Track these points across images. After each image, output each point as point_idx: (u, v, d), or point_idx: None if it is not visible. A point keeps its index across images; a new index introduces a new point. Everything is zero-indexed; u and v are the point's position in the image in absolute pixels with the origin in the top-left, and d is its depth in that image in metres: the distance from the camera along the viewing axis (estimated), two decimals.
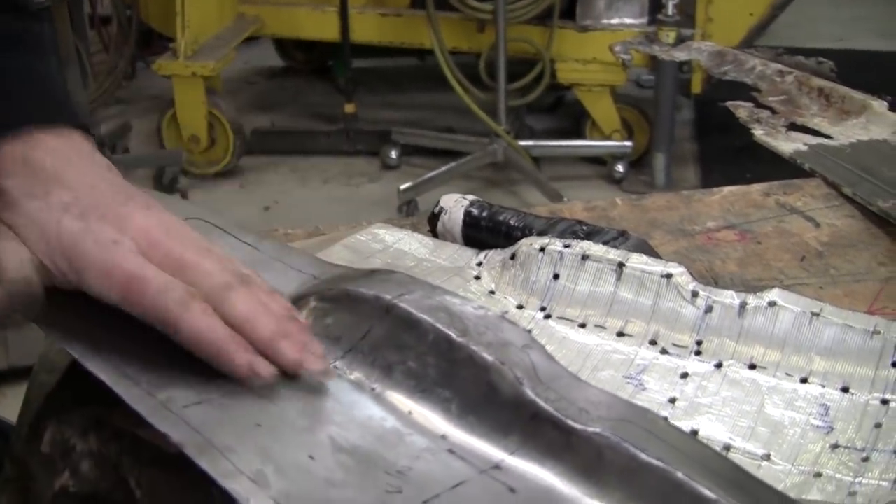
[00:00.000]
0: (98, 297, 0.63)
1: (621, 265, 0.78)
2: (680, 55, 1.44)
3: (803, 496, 0.62)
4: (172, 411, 0.58)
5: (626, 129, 3.59)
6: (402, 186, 3.29)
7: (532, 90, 3.54)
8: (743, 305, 0.75)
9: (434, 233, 0.91)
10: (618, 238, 0.83)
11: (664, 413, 0.69)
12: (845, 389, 0.70)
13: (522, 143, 3.50)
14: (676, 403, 0.70)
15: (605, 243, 0.81)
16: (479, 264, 0.84)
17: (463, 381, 0.62)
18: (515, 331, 0.66)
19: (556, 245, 0.81)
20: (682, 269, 0.77)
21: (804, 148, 1.12)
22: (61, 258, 0.63)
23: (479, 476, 0.58)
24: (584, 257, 0.79)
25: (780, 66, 1.33)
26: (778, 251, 0.92)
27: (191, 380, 0.62)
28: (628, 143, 3.56)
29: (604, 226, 0.86)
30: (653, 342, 0.75)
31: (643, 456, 0.57)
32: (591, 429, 0.59)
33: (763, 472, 0.64)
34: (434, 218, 0.91)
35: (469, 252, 0.87)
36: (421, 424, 0.62)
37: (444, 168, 3.39)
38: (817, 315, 0.73)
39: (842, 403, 0.69)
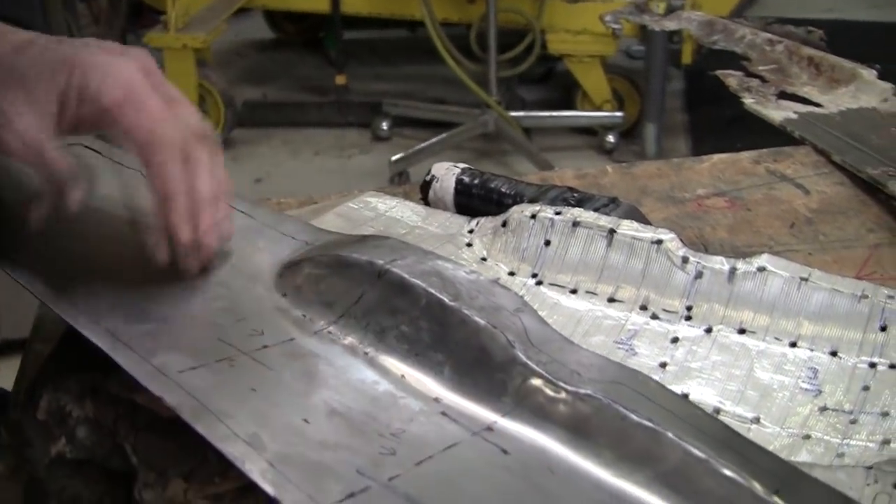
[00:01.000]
0: (96, 96, 0.65)
1: (612, 231, 0.79)
2: (670, 25, 1.44)
3: (792, 458, 0.63)
4: (168, 377, 0.59)
5: (617, 99, 3.59)
6: (394, 158, 3.29)
7: (523, 61, 3.53)
8: (732, 271, 0.75)
9: (426, 201, 0.91)
10: (608, 205, 0.84)
11: (655, 377, 0.70)
12: (833, 353, 0.71)
13: (513, 113, 3.49)
14: (667, 368, 0.71)
15: (595, 210, 0.82)
16: (471, 231, 0.85)
17: (455, 344, 0.63)
18: (507, 295, 0.67)
19: (547, 212, 0.81)
20: (672, 236, 0.78)
21: (794, 116, 1.13)
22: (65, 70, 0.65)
23: (471, 438, 0.59)
24: (575, 224, 0.80)
25: (769, 36, 1.34)
26: (767, 218, 0.92)
27: (185, 345, 0.63)
28: (619, 114, 3.56)
29: (594, 193, 0.86)
30: (643, 307, 0.76)
31: (634, 417, 0.58)
32: (582, 391, 0.60)
33: (752, 435, 0.65)
34: (426, 186, 0.91)
35: (461, 219, 0.87)
36: (414, 388, 0.62)
37: (435, 139, 3.39)
38: (806, 280, 0.74)
39: (830, 367, 0.70)
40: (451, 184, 0.89)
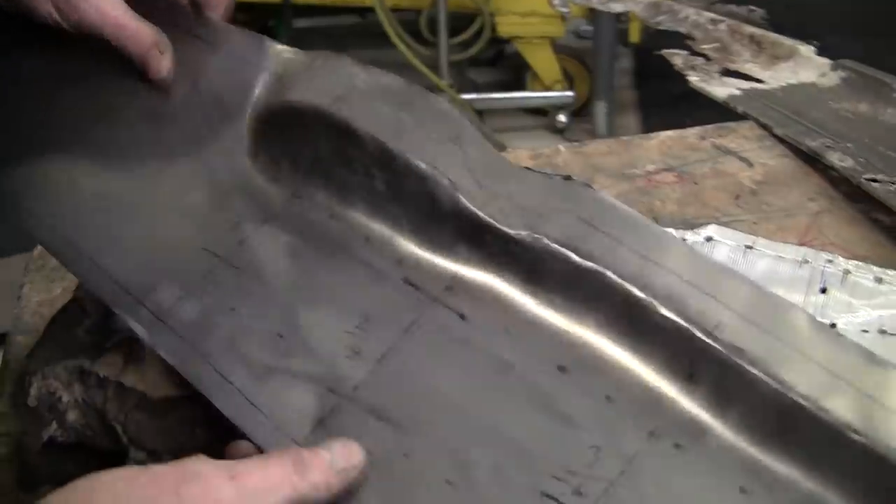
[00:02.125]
0: None
1: None
2: (616, 7, 1.48)
3: None
4: (164, 321, 0.62)
5: (567, 79, 3.63)
6: None
7: (473, 44, 3.56)
8: (682, 241, 0.80)
9: None
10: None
11: None
12: None
13: (465, 96, 3.52)
14: None
15: None
16: None
17: (408, 194, 0.64)
18: (449, 117, 0.67)
19: None
20: None
21: (737, 93, 1.17)
22: None
23: (431, 307, 0.61)
24: None
25: (712, 15, 1.38)
26: (714, 191, 0.97)
27: (175, 268, 0.65)
28: (569, 94, 3.60)
29: (549, 171, 0.91)
30: None
31: (583, 263, 0.60)
32: (528, 235, 0.61)
33: None
34: None
35: None
36: (378, 249, 0.64)
37: None
38: (751, 248, 0.78)
39: None
40: None
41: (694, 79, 1.23)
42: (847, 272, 0.76)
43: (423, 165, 0.64)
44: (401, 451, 0.56)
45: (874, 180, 0.93)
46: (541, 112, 3.72)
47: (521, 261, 0.61)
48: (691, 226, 0.86)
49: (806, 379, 0.55)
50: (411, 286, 0.63)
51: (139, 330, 0.62)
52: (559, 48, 3.64)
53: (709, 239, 0.79)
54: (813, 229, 0.90)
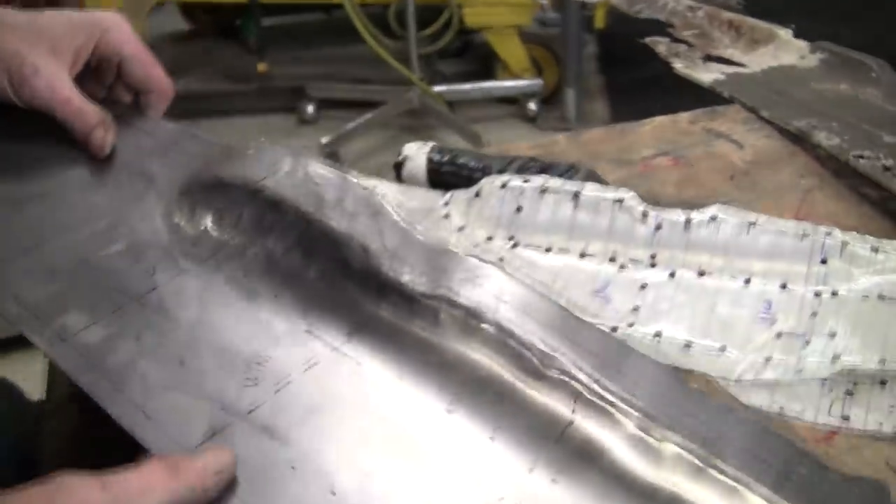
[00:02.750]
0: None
1: (577, 194, 0.87)
2: None
3: (759, 377, 0.73)
4: (66, 340, 0.65)
5: (536, 67, 3.69)
6: (324, 140, 3.35)
7: (442, 36, 3.60)
8: (688, 221, 0.84)
9: (399, 179, 0.99)
10: (569, 170, 0.93)
11: (630, 320, 0.79)
12: (783, 286, 0.80)
13: (436, 88, 3.57)
14: (639, 311, 0.80)
15: (559, 176, 0.91)
16: (446, 203, 0.93)
17: (321, 256, 0.70)
18: (366, 199, 0.73)
19: (516, 181, 0.90)
20: (632, 194, 0.87)
21: (721, 77, 1.22)
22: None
23: (330, 353, 0.66)
24: (543, 190, 0.88)
25: (690, 2, 1.44)
26: (709, 172, 1.02)
27: (84, 303, 0.68)
28: (538, 82, 3.66)
29: (554, 160, 0.95)
30: (612, 259, 0.85)
31: (481, 324, 0.66)
32: (434, 292, 0.67)
33: (721, 361, 0.75)
34: (399, 165, 0.99)
35: (435, 194, 0.95)
36: (286, 307, 0.69)
37: (361, 119, 3.45)
38: (754, 224, 0.83)
39: (781, 298, 0.79)
40: (423, 162, 0.98)
41: (678, 65, 1.28)
42: (845, 243, 0.81)
43: (339, 230, 0.70)
44: (288, 464, 0.59)
45: (861, 157, 0.98)
46: (511, 101, 3.77)
47: (424, 316, 0.67)
48: (691, 206, 0.90)
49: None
50: (314, 336, 0.67)
51: (40, 344, 0.65)
52: (526, 37, 3.69)
53: (713, 218, 0.83)
54: (805, 205, 0.95)
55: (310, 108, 3.75)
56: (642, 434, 0.61)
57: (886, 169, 0.96)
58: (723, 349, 0.76)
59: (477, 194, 0.91)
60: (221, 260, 0.73)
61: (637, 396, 0.62)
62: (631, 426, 0.61)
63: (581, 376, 0.63)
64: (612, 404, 0.62)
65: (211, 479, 0.54)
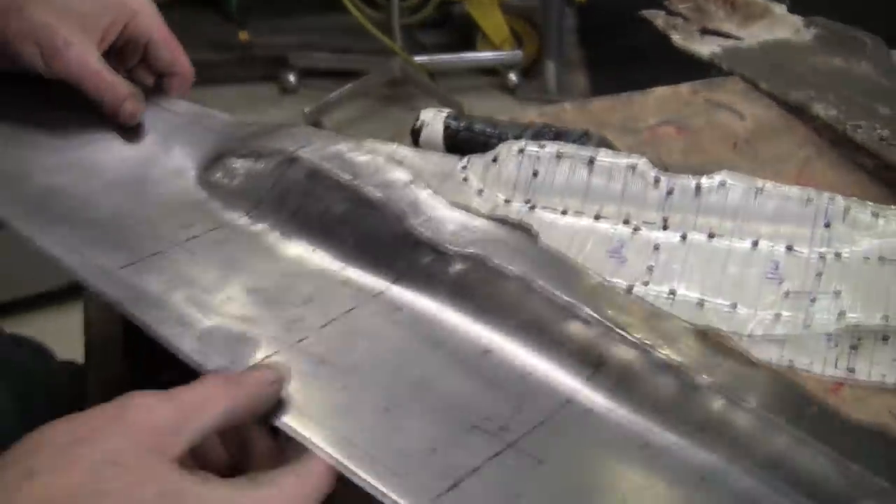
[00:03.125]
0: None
1: (592, 160, 0.91)
2: None
3: (769, 332, 0.77)
4: (110, 274, 0.69)
5: (516, 39, 3.72)
6: (307, 109, 3.37)
7: (423, 7, 3.62)
8: (698, 186, 0.89)
9: (416, 144, 1.03)
10: (582, 137, 0.97)
11: (644, 279, 0.83)
12: (790, 248, 0.85)
13: (418, 58, 3.59)
14: (653, 271, 0.84)
15: (573, 142, 0.95)
16: (464, 168, 0.96)
17: (357, 218, 0.74)
18: (400, 171, 0.78)
19: (532, 146, 0.94)
20: (644, 160, 0.91)
21: (719, 50, 1.27)
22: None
23: (368, 301, 0.70)
24: (559, 155, 0.93)
25: None
26: (712, 141, 1.06)
27: (124, 245, 0.72)
28: (518, 53, 3.69)
29: (566, 128, 0.99)
30: (626, 222, 0.89)
31: (504, 271, 0.70)
32: (461, 250, 0.72)
33: (734, 318, 0.79)
34: (416, 132, 1.03)
35: (453, 158, 0.99)
36: (320, 262, 0.73)
37: (343, 88, 3.47)
38: (761, 190, 0.88)
39: (788, 259, 0.84)
40: (440, 128, 1.01)
41: (676, 38, 1.32)
42: (847, 209, 0.85)
43: (376, 195, 0.75)
44: (340, 384, 0.63)
45: (858, 127, 1.03)
46: (492, 72, 3.79)
47: (452, 274, 0.71)
48: (698, 173, 0.94)
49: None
50: (350, 287, 0.71)
51: (88, 279, 0.68)
52: (507, 8, 3.71)
53: (722, 183, 0.88)
54: (805, 174, 1.00)
55: (292, 78, 3.76)
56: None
57: (882, 139, 1.00)
58: (734, 307, 0.81)
59: (494, 159, 0.95)
60: (256, 217, 0.76)
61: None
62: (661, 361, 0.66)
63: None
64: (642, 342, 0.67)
65: (268, 388, 0.58)
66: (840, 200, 0.86)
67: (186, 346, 0.63)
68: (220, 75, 3.85)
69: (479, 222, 0.75)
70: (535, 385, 0.65)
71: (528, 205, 0.92)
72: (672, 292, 0.82)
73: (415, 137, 1.03)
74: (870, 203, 0.87)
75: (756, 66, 1.20)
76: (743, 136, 1.07)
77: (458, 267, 0.71)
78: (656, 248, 0.86)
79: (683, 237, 0.87)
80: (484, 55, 3.75)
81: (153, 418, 0.53)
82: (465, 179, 0.95)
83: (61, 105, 0.84)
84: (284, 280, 0.71)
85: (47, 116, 0.84)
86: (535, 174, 0.93)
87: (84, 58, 0.80)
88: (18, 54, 0.79)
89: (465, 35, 3.83)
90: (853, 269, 0.82)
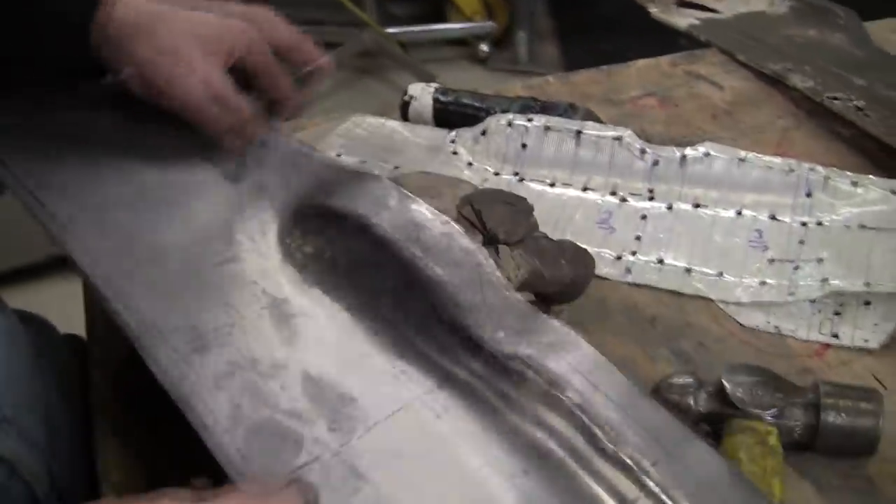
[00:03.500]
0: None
1: (579, 133, 0.94)
2: None
3: (756, 300, 0.80)
4: (178, 354, 0.68)
5: (487, 10, 3.72)
6: None
7: None
8: (683, 157, 0.91)
9: (405, 118, 1.05)
10: (568, 110, 0.99)
11: (633, 248, 0.86)
12: (773, 217, 0.87)
13: (389, 30, 3.59)
14: (641, 240, 0.87)
15: (559, 115, 0.97)
16: (453, 141, 0.99)
17: (418, 301, 0.71)
18: (470, 249, 0.73)
19: (520, 120, 0.96)
20: (629, 132, 0.93)
21: (696, 22, 1.29)
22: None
23: (417, 401, 0.67)
24: (547, 128, 0.95)
25: None
26: (693, 112, 1.09)
27: (196, 319, 0.71)
28: (489, 23, 3.70)
29: (551, 101, 1.01)
30: (613, 193, 0.91)
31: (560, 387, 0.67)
32: (519, 353, 0.68)
33: (720, 285, 0.82)
34: (405, 105, 1.04)
35: (441, 132, 1.01)
36: (382, 344, 0.71)
37: None
38: (743, 160, 0.90)
39: (772, 228, 0.87)
40: (429, 101, 1.03)
41: (654, 10, 1.34)
42: (827, 178, 0.88)
43: (444, 278, 0.70)
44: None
45: (835, 98, 1.05)
46: (463, 42, 3.80)
47: (504, 375, 0.68)
48: (680, 144, 0.96)
49: None
50: (405, 381, 0.69)
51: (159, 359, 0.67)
52: None
53: (706, 154, 0.90)
54: (784, 143, 1.03)
55: None
56: None
57: (859, 109, 1.03)
58: (720, 274, 0.83)
59: (483, 132, 0.97)
60: (326, 290, 0.74)
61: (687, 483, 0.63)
62: None
63: (645, 463, 0.63)
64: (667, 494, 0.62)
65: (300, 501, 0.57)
66: (820, 170, 0.89)
67: (230, 445, 0.62)
68: None
69: (530, 311, 0.71)
70: None
71: (517, 177, 0.94)
72: (660, 260, 0.85)
73: (403, 112, 1.05)
74: (848, 172, 0.90)
75: (733, 38, 1.22)
76: (722, 107, 1.09)
77: (505, 375, 0.68)
78: (643, 217, 0.89)
79: (669, 207, 0.89)
80: (455, 26, 3.74)
81: None
82: (455, 153, 0.97)
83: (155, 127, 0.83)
84: (342, 367, 0.69)
85: (143, 136, 0.84)
86: (524, 146, 0.95)
87: (188, 88, 0.78)
88: (115, 71, 0.78)
89: (437, 6, 3.82)
90: (835, 237, 0.85)
